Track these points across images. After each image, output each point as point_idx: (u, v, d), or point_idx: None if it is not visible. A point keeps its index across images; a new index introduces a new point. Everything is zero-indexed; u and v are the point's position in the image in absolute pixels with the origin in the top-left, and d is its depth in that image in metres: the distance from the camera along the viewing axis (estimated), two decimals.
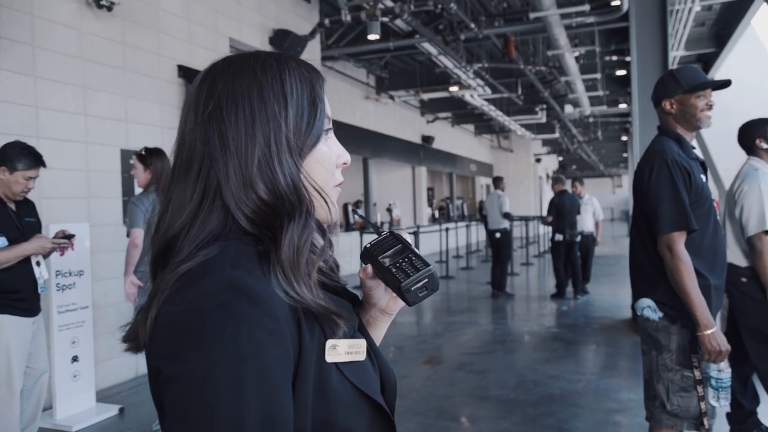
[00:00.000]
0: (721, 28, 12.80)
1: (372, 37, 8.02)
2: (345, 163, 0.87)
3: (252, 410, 0.63)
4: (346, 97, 12.29)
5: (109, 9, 4.75)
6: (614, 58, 12.10)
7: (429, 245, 14.11)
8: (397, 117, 14.73)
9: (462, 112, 16.73)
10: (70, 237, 3.36)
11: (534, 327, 6.98)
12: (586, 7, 7.92)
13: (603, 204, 12.55)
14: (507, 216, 8.96)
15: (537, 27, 8.71)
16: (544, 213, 9.05)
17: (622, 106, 15.32)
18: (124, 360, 5.05)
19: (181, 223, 0.75)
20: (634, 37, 6.39)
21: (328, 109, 0.84)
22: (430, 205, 19.17)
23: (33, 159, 3.12)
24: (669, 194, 2.34)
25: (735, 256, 3.31)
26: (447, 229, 13.10)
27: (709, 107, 2.46)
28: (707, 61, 14.69)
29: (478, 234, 18.09)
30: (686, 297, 2.28)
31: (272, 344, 0.66)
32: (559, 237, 8.72)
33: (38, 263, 3.24)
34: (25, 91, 4.28)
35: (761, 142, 3.30)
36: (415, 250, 0.87)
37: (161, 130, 5.45)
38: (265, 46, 7.01)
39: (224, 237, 0.74)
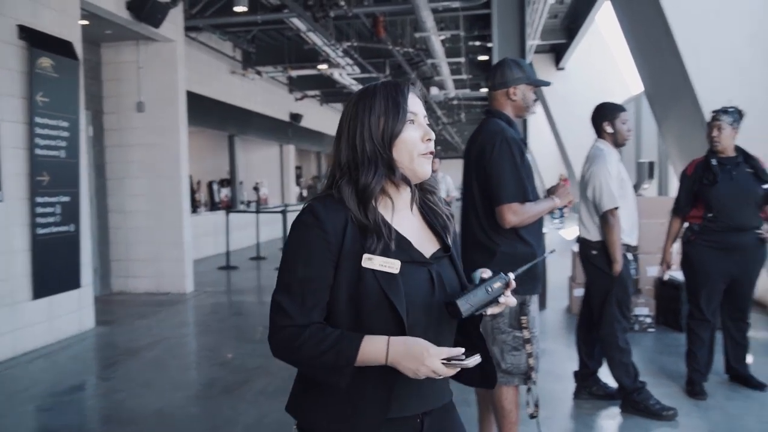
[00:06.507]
0: (571, 22, 13.72)
1: (238, 9, 7.72)
2: (429, 139, 1.32)
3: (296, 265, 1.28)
4: (211, 70, 11.77)
5: None
6: (477, 43, 12.56)
7: None
8: (264, 94, 14.36)
9: (331, 91, 16.66)
10: None
11: None
12: None
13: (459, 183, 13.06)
14: None
15: (405, 8, 8.83)
16: None
17: (484, 90, 16.02)
18: None
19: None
20: (496, 25, 6.68)
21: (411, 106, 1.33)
22: (298, 184, 18.96)
23: None
24: (510, 168, 2.57)
25: (587, 231, 3.60)
26: None
27: (536, 100, 2.80)
28: (559, 51, 15.72)
29: None
30: (540, 213, 2.65)
31: (317, 238, 1.25)
32: None
33: None
34: None
35: (607, 125, 3.60)
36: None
37: None
38: (122, 12, 6.52)
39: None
